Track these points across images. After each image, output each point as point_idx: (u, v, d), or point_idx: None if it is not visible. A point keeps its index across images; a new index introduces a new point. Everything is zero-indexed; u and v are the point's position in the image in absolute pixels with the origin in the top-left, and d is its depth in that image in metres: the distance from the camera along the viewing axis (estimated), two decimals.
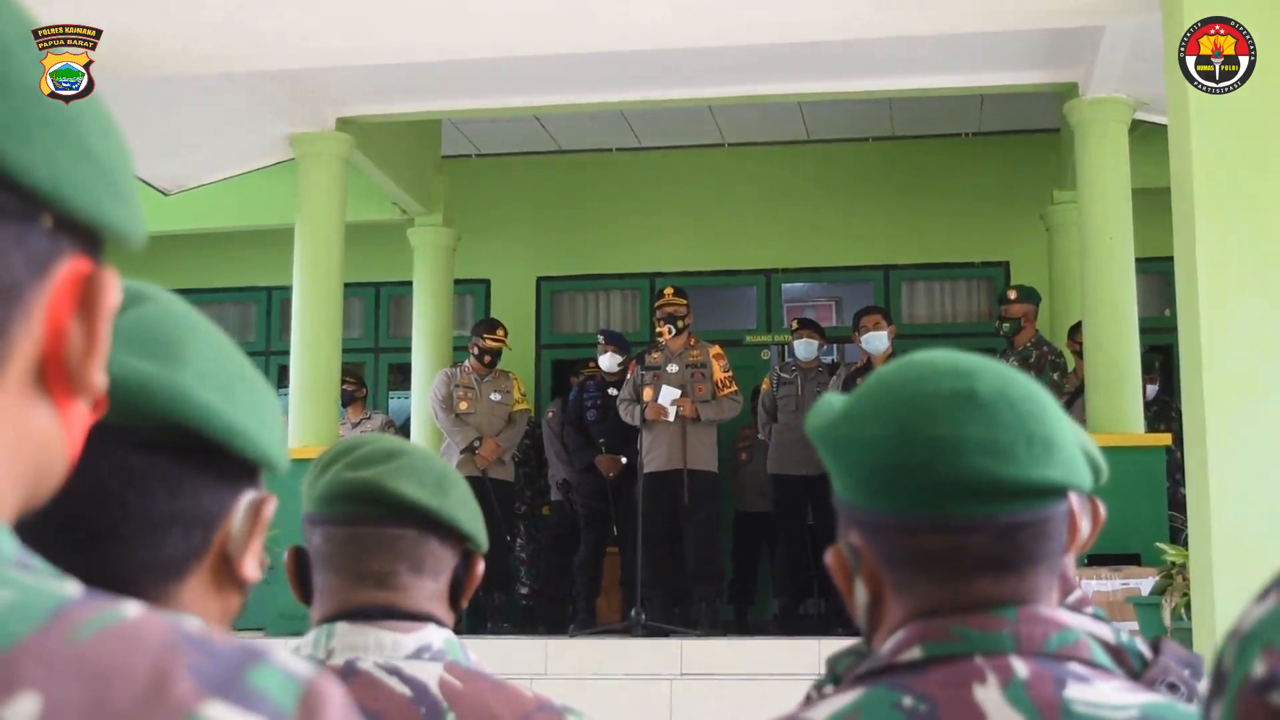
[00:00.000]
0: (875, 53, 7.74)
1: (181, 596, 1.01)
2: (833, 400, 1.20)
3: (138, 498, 0.98)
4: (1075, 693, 1.06)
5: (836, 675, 1.52)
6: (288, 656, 0.68)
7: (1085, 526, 1.69)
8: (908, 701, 1.06)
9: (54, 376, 0.70)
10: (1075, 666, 1.08)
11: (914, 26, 6.99)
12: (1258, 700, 0.72)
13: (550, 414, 9.20)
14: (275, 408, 1.07)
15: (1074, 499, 1.14)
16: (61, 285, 0.69)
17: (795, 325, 8.71)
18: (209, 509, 1.02)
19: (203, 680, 0.62)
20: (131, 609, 0.64)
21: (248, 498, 1.04)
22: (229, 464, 1.02)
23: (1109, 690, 1.07)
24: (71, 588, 0.64)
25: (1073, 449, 1.14)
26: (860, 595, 1.16)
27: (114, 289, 0.71)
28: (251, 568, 1.04)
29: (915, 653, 1.09)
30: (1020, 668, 1.07)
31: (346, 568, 1.52)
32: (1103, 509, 1.70)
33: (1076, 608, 1.57)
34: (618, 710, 6.48)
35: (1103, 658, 1.10)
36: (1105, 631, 1.54)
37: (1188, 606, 5.53)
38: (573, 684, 6.52)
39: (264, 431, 1.03)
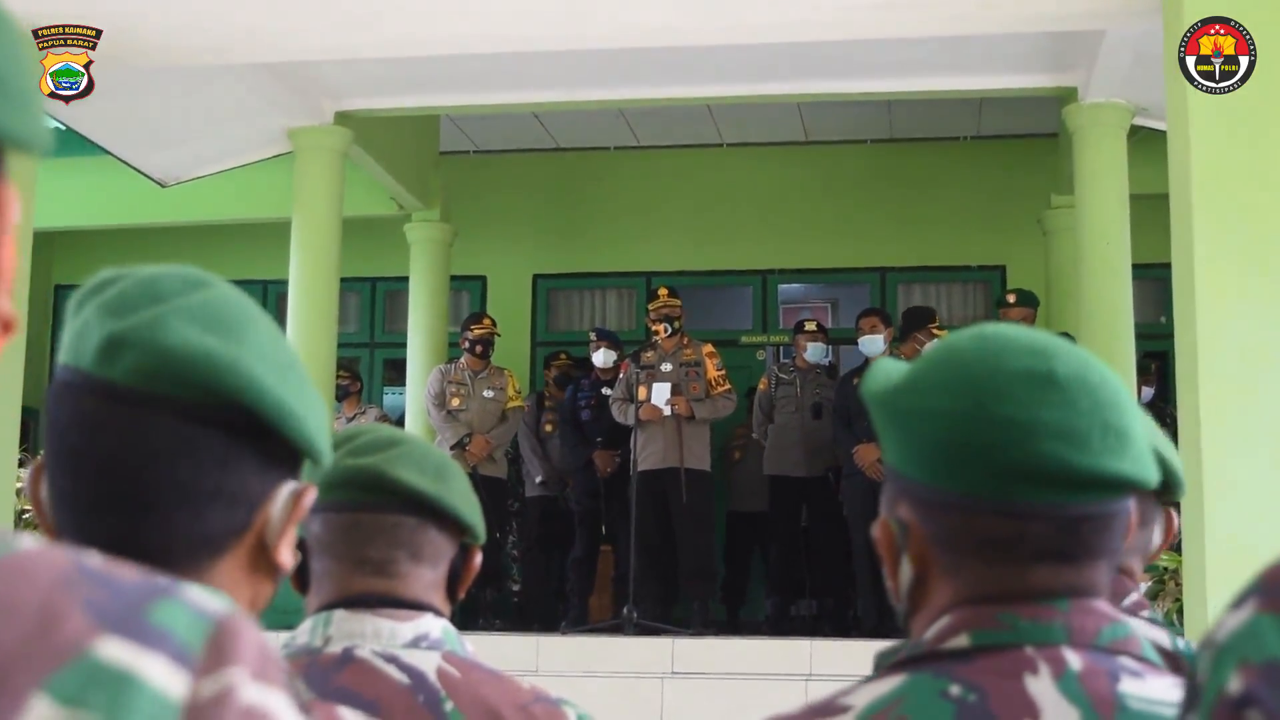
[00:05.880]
0: (875, 54, 7.74)
1: (218, 575, 1.01)
2: (889, 366, 1.14)
3: (187, 468, 0.98)
4: (1130, 687, 1.03)
5: None
6: (200, 593, 0.63)
7: (1158, 537, 1.67)
8: (955, 690, 1.02)
9: None
10: (1127, 661, 1.05)
11: (914, 28, 6.98)
12: (1234, 717, 0.70)
13: (525, 407, 9.07)
14: (322, 402, 1.08)
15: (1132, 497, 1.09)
16: None
17: (814, 327, 8.58)
18: (253, 489, 1.02)
19: (98, 616, 0.58)
20: (26, 542, 0.60)
21: (289, 486, 1.05)
22: (276, 448, 1.03)
23: (1163, 687, 1.04)
24: None
25: (1144, 442, 1.08)
26: (905, 573, 1.11)
27: (14, 202, 0.67)
28: (286, 554, 1.04)
29: (962, 640, 1.05)
30: (1073, 660, 1.03)
31: (345, 555, 1.51)
32: (1177, 520, 1.67)
33: (1132, 611, 1.55)
34: (609, 708, 6.46)
35: (1152, 654, 1.07)
36: (1161, 637, 1.51)
37: (1179, 612, 5.53)
38: (564, 681, 6.51)
39: (312, 418, 1.04)
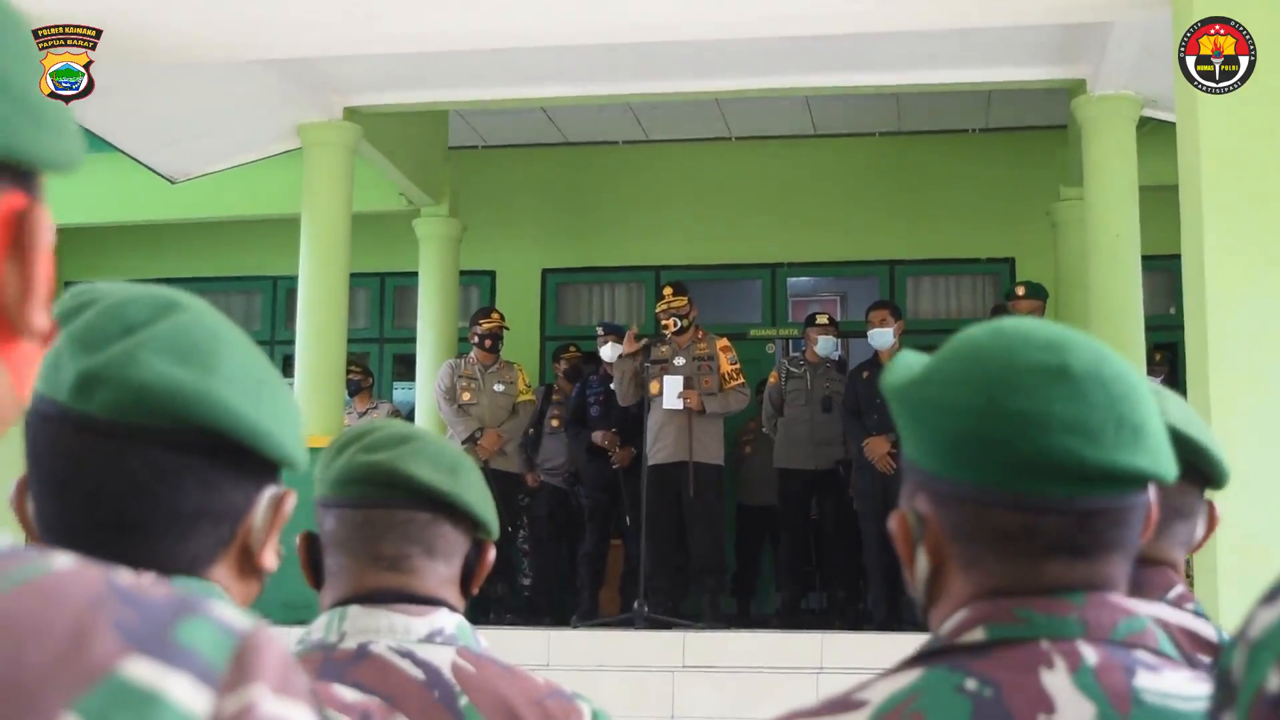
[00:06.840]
0: (883, 47, 7.73)
1: None
2: (910, 359, 1.15)
3: (169, 493, 1.03)
4: (1145, 681, 1.02)
5: None
6: (227, 609, 0.65)
7: (1201, 528, 1.66)
8: (971, 684, 1.02)
9: None
10: (1143, 655, 1.04)
11: (922, 21, 6.98)
12: (1275, 716, 0.69)
13: (535, 401, 9.02)
14: (296, 410, 1.13)
15: (1152, 490, 1.09)
16: None
17: (826, 320, 8.53)
18: (234, 504, 1.07)
19: (126, 636, 0.59)
20: (61, 561, 0.61)
21: (269, 493, 1.10)
22: (253, 462, 1.07)
23: (1179, 680, 1.04)
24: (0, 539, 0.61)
25: (1161, 436, 1.08)
26: (921, 565, 1.11)
27: (48, 224, 0.67)
28: (270, 558, 1.10)
29: (978, 634, 1.05)
30: (1089, 654, 1.03)
31: (360, 551, 1.52)
32: (1219, 511, 1.66)
33: (1177, 604, 1.54)
34: (619, 702, 6.48)
35: (1169, 647, 1.06)
36: (1207, 629, 1.50)
37: None
38: (575, 675, 6.52)
39: (286, 433, 1.08)
